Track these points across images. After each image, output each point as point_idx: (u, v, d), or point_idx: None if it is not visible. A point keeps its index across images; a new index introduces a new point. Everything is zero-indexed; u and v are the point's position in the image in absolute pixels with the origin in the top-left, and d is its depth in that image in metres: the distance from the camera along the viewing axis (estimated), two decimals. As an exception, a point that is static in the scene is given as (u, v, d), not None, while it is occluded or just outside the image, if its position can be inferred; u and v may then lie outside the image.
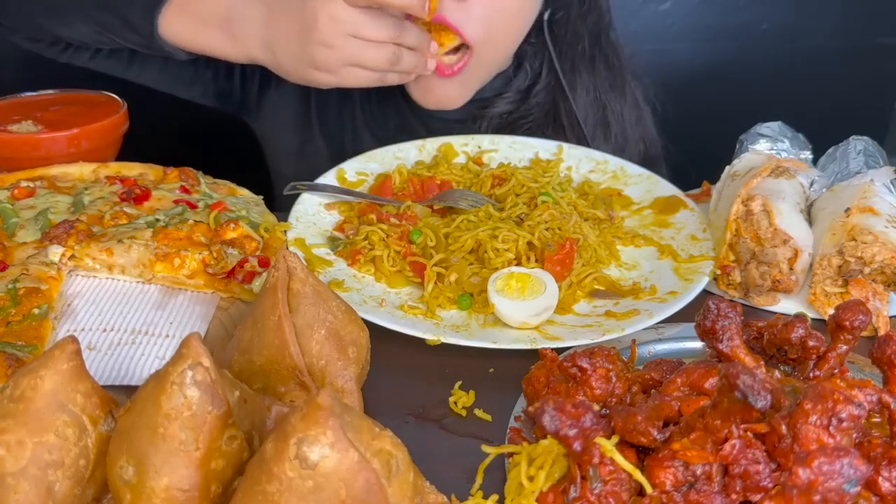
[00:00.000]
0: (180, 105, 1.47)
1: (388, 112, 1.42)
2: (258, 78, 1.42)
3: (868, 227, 0.95)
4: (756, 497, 0.59)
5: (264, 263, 0.92)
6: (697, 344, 0.81)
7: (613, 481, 0.61)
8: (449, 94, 1.29)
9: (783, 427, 0.58)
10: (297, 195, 1.09)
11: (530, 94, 1.38)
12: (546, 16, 1.34)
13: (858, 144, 1.17)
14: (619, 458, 0.61)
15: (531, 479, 0.65)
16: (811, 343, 0.71)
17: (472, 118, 1.38)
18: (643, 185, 1.19)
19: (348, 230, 1.05)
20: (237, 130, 1.54)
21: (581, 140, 1.36)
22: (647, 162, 1.42)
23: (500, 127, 1.37)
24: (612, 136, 1.39)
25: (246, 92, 1.45)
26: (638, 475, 0.61)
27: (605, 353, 0.71)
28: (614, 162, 1.23)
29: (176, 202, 1.01)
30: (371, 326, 0.84)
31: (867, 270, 0.94)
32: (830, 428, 0.58)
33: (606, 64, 1.40)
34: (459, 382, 0.83)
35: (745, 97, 1.84)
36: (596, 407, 0.69)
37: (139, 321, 0.88)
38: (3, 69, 1.54)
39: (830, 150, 1.19)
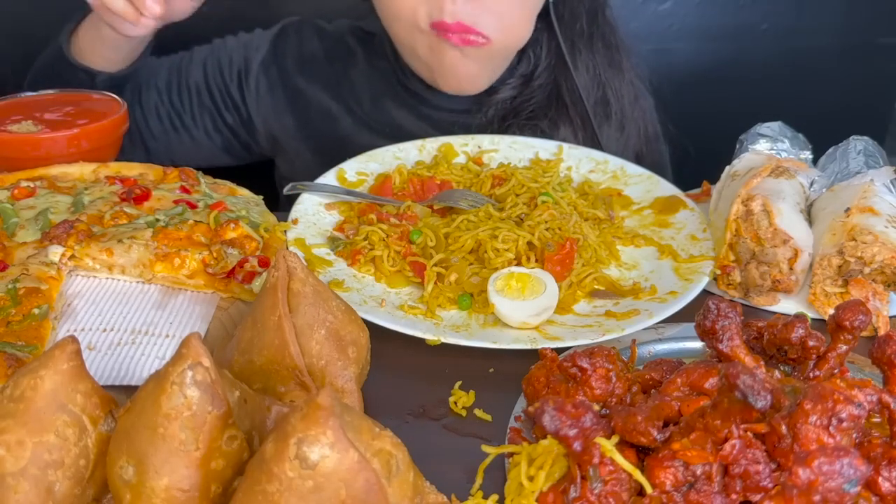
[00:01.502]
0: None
1: (386, 110, 1.43)
2: (241, 120, 1.47)
3: (868, 227, 0.95)
4: (756, 497, 0.59)
5: (264, 263, 0.92)
6: (697, 344, 0.81)
7: (613, 481, 0.61)
8: (470, 74, 1.31)
9: (783, 427, 0.58)
10: (297, 195, 1.10)
11: (533, 78, 1.40)
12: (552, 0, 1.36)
13: (858, 144, 1.17)
14: (619, 458, 0.61)
15: (531, 479, 0.65)
16: (811, 343, 0.71)
17: (476, 106, 1.39)
18: (643, 185, 1.19)
19: (348, 230, 1.05)
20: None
21: (584, 118, 1.37)
22: (647, 139, 1.43)
23: (504, 113, 1.37)
24: (613, 113, 1.41)
25: (239, 136, 1.49)
26: (638, 475, 0.61)
27: (605, 353, 0.71)
28: (614, 162, 1.23)
29: (176, 202, 1.01)
30: (371, 326, 0.84)
31: (867, 270, 0.94)
32: (830, 428, 0.58)
33: (604, 42, 1.41)
34: (459, 382, 0.83)
35: (745, 97, 1.84)
36: (596, 407, 0.69)
37: (139, 321, 0.88)
38: (4, 68, 1.54)
39: (830, 150, 1.19)
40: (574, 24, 1.39)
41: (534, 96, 1.39)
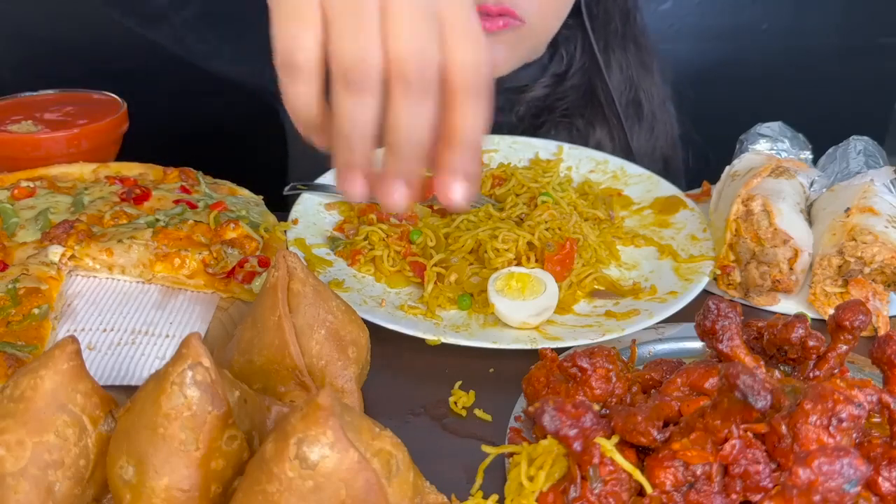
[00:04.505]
0: (181, 104, 1.48)
1: None
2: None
3: (868, 227, 0.95)
4: (756, 497, 0.59)
5: (264, 263, 0.92)
6: (697, 344, 0.81)
7: (613, 481, 0.61)
8: (497, 57, 1.26)
9: (783, 427, 0.58)
10: (297, 195, 1.10)
11: (566, 78, 1.38)
12: None
13: (858, 144, 1.17)
14: (619, 458, 0.61)
15: (531, 479, 0.65)
16: (811, 343, 0.71)
17: (508, 105, 1.37)
18: (643, 185, 1.19)
19: (348, 230, 1.05)
20: (237, 131, 1.54)
21: (618, 118, 1.36)
22: (673, 144, 1.42)
23: (537, 112, 1.36)
24: (644, 115, 1.39)
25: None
26: (638, 475, 0.61)
27: (605, 353, 0.71)
28: (614, 162, 1.23)
29: (176, 202, 1.01)
30: (371, 326, 0.83)
31: (867, 270, 0.94)
32: (830, 428, 0.58)
33: (636, 43, 1.40)
34: (459, 382, 0.83)
35: (745, 97, 1.84)
36: (596, 407, 0.69)
37: (139, 321, 0.87)
38: (3, 69, 1.54)
39: (830, 150, 1.19)
40: (608, 23, 1.37)
41: (567, 96, 1.37)
